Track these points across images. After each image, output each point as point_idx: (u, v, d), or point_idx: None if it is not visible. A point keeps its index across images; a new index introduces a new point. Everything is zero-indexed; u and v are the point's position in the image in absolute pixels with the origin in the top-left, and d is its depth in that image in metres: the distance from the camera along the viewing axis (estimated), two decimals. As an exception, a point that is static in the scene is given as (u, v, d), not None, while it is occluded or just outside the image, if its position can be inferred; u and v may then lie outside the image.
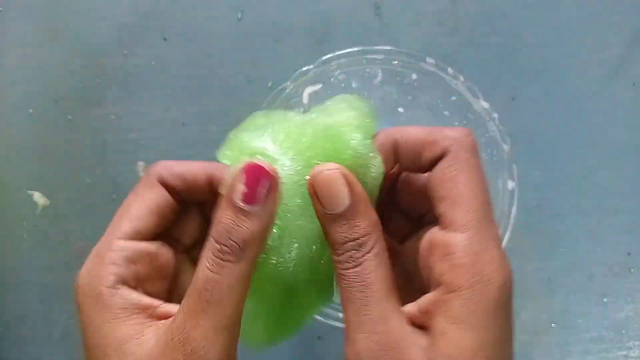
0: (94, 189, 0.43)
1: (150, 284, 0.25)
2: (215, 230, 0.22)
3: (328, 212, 0.22)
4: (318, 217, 0.23)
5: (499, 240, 0.22)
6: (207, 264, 0.21)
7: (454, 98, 0.38)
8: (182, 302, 0.22)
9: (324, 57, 0.37)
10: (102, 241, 0.24)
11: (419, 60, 0.37)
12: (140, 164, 0.43)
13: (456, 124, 0.38)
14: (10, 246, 0.43)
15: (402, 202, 0.28)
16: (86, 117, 0.43)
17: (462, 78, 0.37)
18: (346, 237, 0.22)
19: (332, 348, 0.42)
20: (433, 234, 0.23)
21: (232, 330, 0.22)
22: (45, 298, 0.43)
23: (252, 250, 0.22)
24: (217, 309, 0.21)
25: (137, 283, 0.24)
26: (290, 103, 0.38)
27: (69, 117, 0.43)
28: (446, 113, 0.38)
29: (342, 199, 0.22)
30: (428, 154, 0.23)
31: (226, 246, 0.21)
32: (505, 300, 0.21)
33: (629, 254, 0.42)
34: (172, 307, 0.24)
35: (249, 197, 0.21)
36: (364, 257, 0.22)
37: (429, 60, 0.37)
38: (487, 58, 0.42)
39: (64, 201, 0.43)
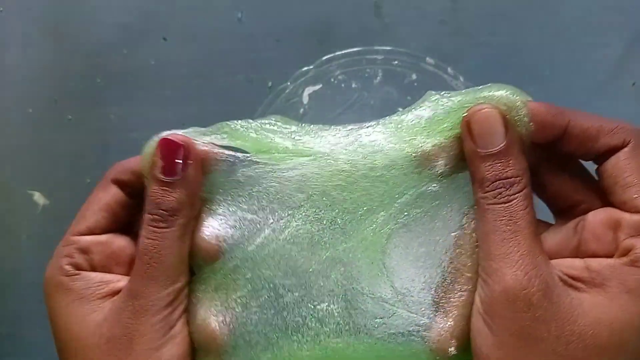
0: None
1: (109, 269, 0.26)
2: (147, 203, 0.24)
3: (481, 149, 0.22)
4: (467, 155, 0.23)
5: None
6: (145, 233, 0.24)
7: (454, 98, 0.38)
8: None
9: (324, 58, 0.37)
10: (64, 237, 0.27)
11: (419, 61, 0.37)
12: (140, 164, 0.43)
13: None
14: (10, 246, 0.43)
15: (547, 191, 0.27)
16: (86, 117, 0.43)
17: (462, 78, 0.37)
18: (498, 175, 0.22)
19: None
20: (616, 214, 0.23)
21: (175, 283, 0.24)
22: (44, 299, 0.43)
23: (182, 215, 0.24)
24: (158, 268, 0.24)
25: (94, 269, 0.26)
26: (290, 103, 0.38)
27: (69, 117, 0.43)
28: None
29: (499, 137, 0.22)
30: (605, 141, 0.24)
31: (157, 215, 0.24)
32: None
33: (628, 254, 0.42)
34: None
35: (168, 170, 0.24)
36: (515, 196, 0.22)
37: (429, 60, 0.37)
38: (487, 58, 0.42)
39: (63, 201, 0.43)
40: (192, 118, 0.42)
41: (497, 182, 0.22)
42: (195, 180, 0.24)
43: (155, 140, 0.25)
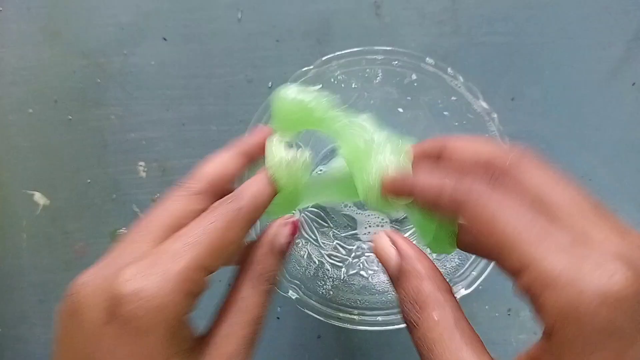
0: (94, 189, 0.43)
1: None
2: (256, 267, 0.25)
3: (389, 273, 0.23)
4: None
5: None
6: (248, 288, 0.24)
7: (453, 98, 0.38)
8: (221, 321, 0.23)
9: (324, 57, 0.37)
10: (185, 261, 0.21)
11: (418, 61, 0.37)
12: (141, 164, 0.43)
13: (456, 124, 0.38)
14: (10, 246, 0.43)
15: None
16: (86, 117, 0.43)
17: (461, 78, 0.37)
18: (403, 297, 0.22)
19: (331, 347, 0.42)
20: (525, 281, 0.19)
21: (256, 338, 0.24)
22: (44, 298, 0.43)
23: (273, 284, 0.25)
24: (250, 325, 0.23)
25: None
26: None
27: (69, 117, 0.43)
28: (446, 113, 0.38)
29: (389, 260, 0.23)
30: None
31: (264, 277, 0.24)
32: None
33: (628, 254, 0.42)
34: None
35: (287, 246, 0.26)
36: (423, 319, 0.20)
37: (429, 60, 0.37)
38: (487, 58, 0.42)
39: (64, 201, 0.43)
40: (191, 118, 0.42)
41: (405, 304, 0.22)
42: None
43: (287, 219, 0.27)
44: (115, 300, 0.18)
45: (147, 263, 0.20)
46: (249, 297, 0.24)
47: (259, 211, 0.25)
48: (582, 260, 0.16)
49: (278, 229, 0.26)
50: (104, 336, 0.19)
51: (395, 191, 0.24)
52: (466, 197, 0.20)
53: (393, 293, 0.38)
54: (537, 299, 0.17)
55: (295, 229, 0.27)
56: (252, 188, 0.25)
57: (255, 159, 0.28)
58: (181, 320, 0.20)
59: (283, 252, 0.26)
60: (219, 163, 0.27)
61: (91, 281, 0.20)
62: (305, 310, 0.37)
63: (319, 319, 0.37)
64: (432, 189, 0.22)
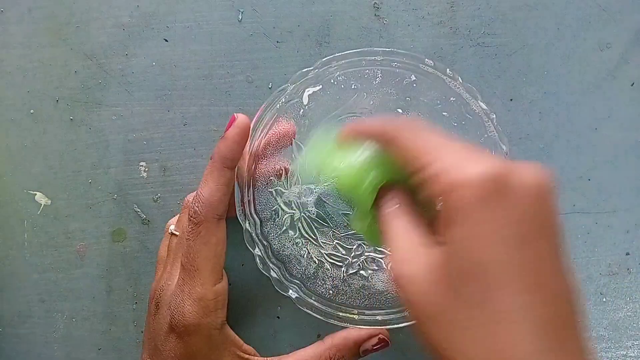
0: (95, 189, 0.43)
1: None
2: (334, 349, 0.37)
3: None
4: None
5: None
6: None
7: (452, 99, 0.38)
8: None
9: (324, 59, 0.37)
10: (199, 285, 0.33)
11: (418, 62, 0.38)
12: (142, 164, 0.43)
13: (454, 124, 0.38)
14: (11, 246, 0.43)
15: None
16: (87, 118, 0.43)
17: (460, 79, 0.37)
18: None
19: (331, 347, 0.42)
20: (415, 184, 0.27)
21: None
22: (46, 298, 0.43)
23: None
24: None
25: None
26: (291, 104, 0.38)
27: (70, 117, 0.43)
28: (445, 114, 0.38)
29: None
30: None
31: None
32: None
33: (627, 254, 0.42)
34: (250, 350, 0.38)
35: (366, 353, 0.37)
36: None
37: (428, 61, 0.37)
38: (486, 59, 0.42)
39: (65, 201, 0.43)
40: (192, 118, 0.43)
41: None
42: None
43: (379, 333, 0.37)
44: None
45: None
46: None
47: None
48: (469, 161, 0.24)
49: (369, 334, 0.37)
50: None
51: (352, 132, 0.32)
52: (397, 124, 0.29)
53: (392, 292, 0.38)
54: (437, 179, 0.24)
55: (383, 346, 0.36)
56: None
57: (237, 160, 0.35)
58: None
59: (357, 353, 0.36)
60: (212, 189, 0.34)
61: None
62: (305, 310, 0.37)
63: (319, 319, 0.37)
64: (376, 123, 0.30)
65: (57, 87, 0.43)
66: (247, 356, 0.36)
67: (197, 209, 0.33)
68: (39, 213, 0.43)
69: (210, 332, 0.33)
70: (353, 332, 0.35)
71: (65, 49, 0.43)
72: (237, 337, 0.36)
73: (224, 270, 0.36)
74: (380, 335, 0.35)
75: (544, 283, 0.21)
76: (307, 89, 0.38)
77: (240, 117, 0.34)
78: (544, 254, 0.22)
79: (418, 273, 0.24)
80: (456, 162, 0.24)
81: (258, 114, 0.37)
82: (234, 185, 0.36)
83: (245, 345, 0.37)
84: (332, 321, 0.37)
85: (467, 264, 0.22)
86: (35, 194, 0.43)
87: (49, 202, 0.43)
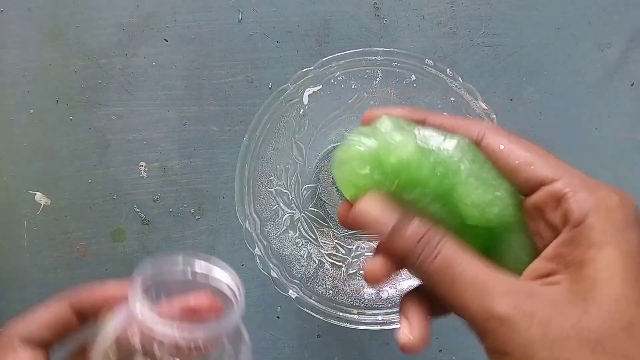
0: (95, 189, 0.43)
1: None
2: None
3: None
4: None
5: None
6: None
7: (452, 99, 0.38)
8: None
9: (324, 58, 0.37)
10: None
11: (418, 62, 0.38)
12: (142, 164, 0.43)
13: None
14: (11, 246, 0.43)
15: None
16: (87, 118, 0.43)
17: (460, 79, 0.37)
18: (408, 244, 0.23)
19: (331, 346, 0.42)
20: (533, 200, 0.23)
21: None
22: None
23: None
24: None
25: None
26: (291, 104, 0.38)
27: (70, 117, 0.43)
28: (445, 114, 0.38)
29: (385, 222, 0.24)
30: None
31: None
32: (633, 215, 0.21)
33: (627, 254, 0.42)
34: None
35: None
36: (440, 245, 0.23)
37: (428, 61, 0.37)
38: (486, 59, 0.42)
39: (65, 201, 0.43)
40: (192, 118, 0.43)
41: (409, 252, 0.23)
42: None
43: None
44: None
45: None
46: None
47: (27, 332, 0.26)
48: (596, 184, 0.22)
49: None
50: None
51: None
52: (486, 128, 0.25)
53: (393, 292, 0.38)
54: (569, 197, 0.21)
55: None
56: None
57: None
58: None
59: None
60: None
61: None
62: (305, 310, 0.37)
63: (319, 319, 0.37)
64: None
65: (57, 87, 0.43)
66: None
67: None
68: (39, 213, 0.43)
69: None
70: None
71: (65, 49, 0.43)
72: None
73: None
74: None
75: None
76: (307, 89, 0.38)
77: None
78: None
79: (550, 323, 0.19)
80: (585, 182, 0.22)
81: (258, 114, 0.37)
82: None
83: None
84: (332, 321, 0.37)
85: (602, 299, 0.19)
86: (35, 194, 0.43)
87: (49, 202, 0.43)
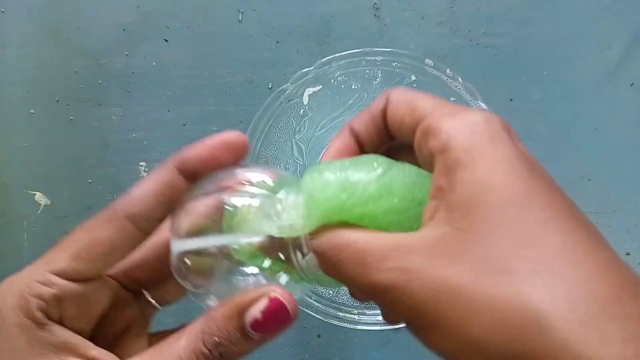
0: (95, 189, 0.43)
1: (74, 322, 0.23)
2: (208, 330, 0.21)
3: None
4: None
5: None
6: (183, 357, 0.21)
7: (452, 99, 0.38)
8: None
9: (324, 59, 0.37)
10: (36, 266, 0.23)
11: (418, 62, 0.38)
12: (142, 164, 0.43)
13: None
14: (11, 246, 0.43)
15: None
16: (87, 118, 0.43)
17: (460, 79, 0.37)
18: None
19: (331, 346, 0.42)
20: (415, 144, 0.22)
21: None
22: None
23: None
24: None
25: (60, 320, 0.22)
26: (291, 104, 0.38)
27: (70, 117, 0.43)
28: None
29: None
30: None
31: (210, 354, 0.21)
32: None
33: (628, 254, 0.42)
34: (102, 355, 0.22)
35: (258, 326, 0.21)
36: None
37: (428, 61, 0.37)
38: (486, 59, 0.42)
39: (64, 201, 0.43)
40: (192, 118, 0.43)
41: None
42: (267, 341, 0.22)
43: (269, 290, 0.21)
44: None
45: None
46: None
47: (134, 206, 0.23)
48: (467, 110, 0.21)
49: (255, 296, 0.21)
50: None
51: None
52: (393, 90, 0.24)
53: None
54: (433, 126, 0.20)
55: (278, 310, 0.21)
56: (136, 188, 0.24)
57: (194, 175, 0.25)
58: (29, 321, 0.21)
59: (245, 331, 0.21)
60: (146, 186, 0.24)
61: None
62: (305, 310, 0.37)
63: (319, 319, 0.37)
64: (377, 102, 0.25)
65: (57, 87, 0.43)
66: None
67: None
68: (38, 213, 0.43)
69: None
70: (230, 304, 0.21)
71: (65, 49, 0.43)
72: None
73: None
74: (271, 294, 0.21)
75: (579, 219, 0.18)
76: (307, 89, 0.38)
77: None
78: (566, 197, 0.19)
79: (416, 257, 0.18)
80: (452, 109, 0.21)
81: (258, 114, 0.37)
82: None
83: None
84: (332, 321, 0.37)
85: (489, 202, 0.18)
86: (35, 194, 0.43)
87: (49, 202, 0.43)
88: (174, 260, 0.23)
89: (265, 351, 0.38)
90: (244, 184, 0.23)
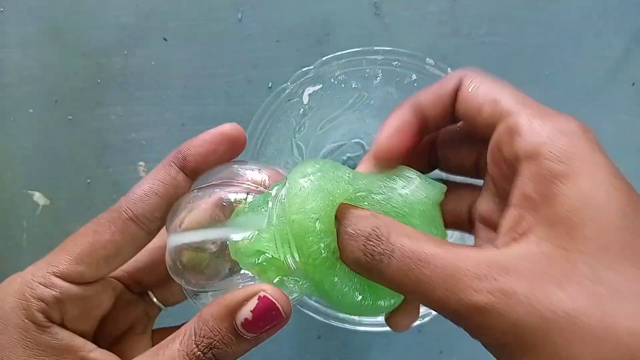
0: (94, 189, 0.43)
1: (76, 324, 0.23)
2: (200, 332, 0.21)
3: None
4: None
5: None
6: (177, 359, 0.20)
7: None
8: None
9: (324, 58, 0.37)
10: (38, 267, 0.23)
11: (419, 61, 0.38)
12: (141, 163, 0.43)
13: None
14: (10, 246, 0.43)
15: (445, 161, 0.26)
16: (86, 117, 0.43)
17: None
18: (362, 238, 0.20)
19: (332, 347, 0.42)
20: (493, 140, 0.21)
21: None
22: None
23: None
24: None
25: (61, 322, 0.22)
26: (291, 103, 0.38)
27: (69, 117, 0.43)
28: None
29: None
30: (446, 90, 0.23)
31: (204, 355, 0.20)
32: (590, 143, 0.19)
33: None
34: (103, 356, 0.22)
35: (250, 326, 0.20)
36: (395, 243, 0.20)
37: (429, 60, 0.37)
38: (487, 58, 0.42)
39: (64, 201, 0.43)
40: (192, 118, 0.43)
41: None
42: (262, 341, 0.21)
43: (258, 290, 0.21)
44: None
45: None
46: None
47: (137, 207, 0.23)
48: (553, 113, 0.20)
49: (244, 295, 0.20)
50: None
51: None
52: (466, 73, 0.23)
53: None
54: (521, 127, 0.19)
55: (268, 310, 0.20)
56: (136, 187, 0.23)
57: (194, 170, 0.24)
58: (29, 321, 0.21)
59: (237, 331, 0.20)
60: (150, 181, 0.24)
61: None
62: (305, 311, 0.37)
63: (319, 319, 0.37)
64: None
65: (56, 87, 0.43)
66: None
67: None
68: (38, 213, 0.43)
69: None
70: (220, 304, 0.21)
71: (64, 49, 0.43)
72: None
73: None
74: (261, 293, 0.20)
75: None
76: (307, 89, 0.38)
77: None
78: None
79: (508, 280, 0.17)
80: (540, 110, 0.19)
81: (258, 114, 0.37)
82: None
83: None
84: (332, 322, 0.37)
85: (594, 224, 0.16)
86: (34, 194, 0.43)
87: (48, 202, 0.43)
88: (169, 256, 0.23)
89: (265, 352, 0.38)
90: (241, 181, 0.23)
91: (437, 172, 0.27)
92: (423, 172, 0.24)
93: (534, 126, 0.19)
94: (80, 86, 0.43)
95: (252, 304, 0.20)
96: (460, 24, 0.42)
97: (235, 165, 0.24)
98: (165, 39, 0.42)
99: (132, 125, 0.43)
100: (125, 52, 0.42)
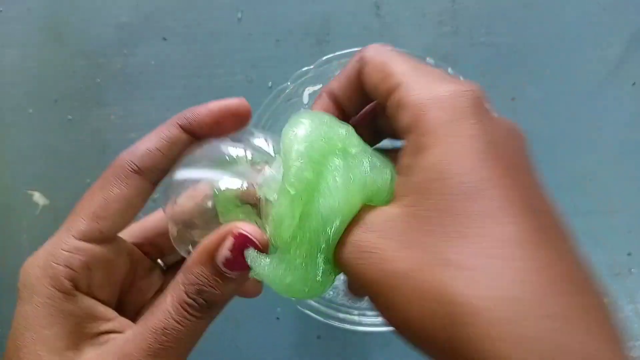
0: (94, 189, 0.43)
1: (100, 291, 0.23)
2: (187, 281, 0.21)
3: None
4: None
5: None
6: (171, 311, 0.21)
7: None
8: (136, 332, 0.21)
9: (324, 57, 0.37)
10: (58, 236, 0.23)
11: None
12: (140, 164, 0.43)
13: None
14: (10, 246, 0.43)
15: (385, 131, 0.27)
16: (86, 117, 0.43)
17: (462, 78, 0.37)
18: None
19: (331, 347, 0.42)
20: (387, 112, 0.22)
21: None
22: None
23: (218, 308, 0.22)
24: (169, 356, 0.21)
25: (88, 289, 0.22)
26: (291, 103, 0.38)
27: (69, 117, 0.43)
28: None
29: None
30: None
31: (195, 302, 0.21)
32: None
33: (629, 255, 0.42)
34: (121, 323, 0.23)
35: (231, 264, 0.21)
36: None
37: (429, 60, 0.37)
38: (487, 58, 0.42)
39: (63, 201, 0.43)
40: (192, 118, 0.42)
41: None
42: (246, 278, 0.22)
43: (231, 227, 0.21)
44: None
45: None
46: (163, 312, 0.21)
47: (140, 160, 0.24)
48: (441, 81, 0.20)
49: (219, 236, 0.21)
50: None
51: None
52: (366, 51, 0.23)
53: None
54: (404, 97, 0.20)
55: (245, 245, 0.20)
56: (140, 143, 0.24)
57: (200, 134, 0.25)
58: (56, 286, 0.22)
59: (220, 271, 0.21)
60: (152, 139, 0.25)
61: None
62: (305, 311, 0.37)
63: (319, 319, 0.37)
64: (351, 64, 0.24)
65: (56, 87, 0.43)
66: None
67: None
68: (37, 213, 0.43)
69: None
70: (199, 250, 0.21)
71: (64, 49, 0.43)
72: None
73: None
74: (234, 230, 0.21)
75: (536, 209, 0.18)
76: (307, 88, 0.37)
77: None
78: (529, 183, 0.19)
79: (374, 239, 0.19)
80: (428, 80, 0.20)
81: (257, 114, 0.37)
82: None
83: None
84: (332, 322, 0.37)
85: (441, 190, 0.18)
86: (34, 194, 0.43)
87: (48, 202, 0.43)
88: (168, 207, 0.23)
89: (266, 352, 0.38)
90: (244, 137, 0.24)
91: (385, 142, 0.28)
92: (372, 144, 0.25)
93: (413, 98, 0.20)
94: (80, 86, 0.43)
95: (229, 242, 0.21)
96: (460, 24, 0.42)
97: (241, 132, 0.24)
98: (165, 39, 0.42)
99: (132, 125, 0.43)
100: (125, 51, 0.42)
